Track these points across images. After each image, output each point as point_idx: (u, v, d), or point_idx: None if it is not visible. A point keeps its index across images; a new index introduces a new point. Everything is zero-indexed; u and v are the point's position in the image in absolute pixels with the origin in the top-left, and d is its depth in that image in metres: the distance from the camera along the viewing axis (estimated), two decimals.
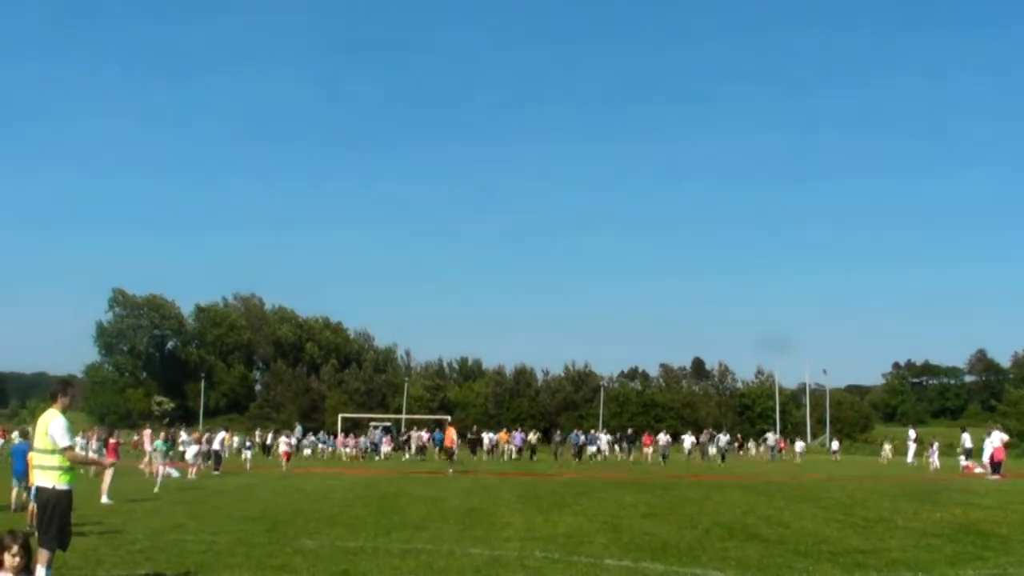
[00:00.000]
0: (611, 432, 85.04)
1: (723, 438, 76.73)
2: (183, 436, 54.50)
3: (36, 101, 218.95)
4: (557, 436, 75.01)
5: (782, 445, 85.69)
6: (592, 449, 71.46)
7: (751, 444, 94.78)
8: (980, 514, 24.15)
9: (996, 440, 45.45)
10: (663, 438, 69.49)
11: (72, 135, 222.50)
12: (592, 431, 77.82)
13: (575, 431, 78.18)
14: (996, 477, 43.08)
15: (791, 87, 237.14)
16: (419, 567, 14.93)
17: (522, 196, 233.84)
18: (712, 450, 74.62)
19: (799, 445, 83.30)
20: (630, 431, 79.18)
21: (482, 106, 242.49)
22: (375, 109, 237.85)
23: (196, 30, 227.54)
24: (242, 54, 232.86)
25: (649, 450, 69.02)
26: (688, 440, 79.07)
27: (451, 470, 47.01)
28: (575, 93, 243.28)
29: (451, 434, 53.86)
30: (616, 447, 76.32)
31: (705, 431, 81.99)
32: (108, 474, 27.63)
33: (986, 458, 45.68)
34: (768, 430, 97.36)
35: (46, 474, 12.10)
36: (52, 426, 12.13)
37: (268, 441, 74.41)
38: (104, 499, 26.82)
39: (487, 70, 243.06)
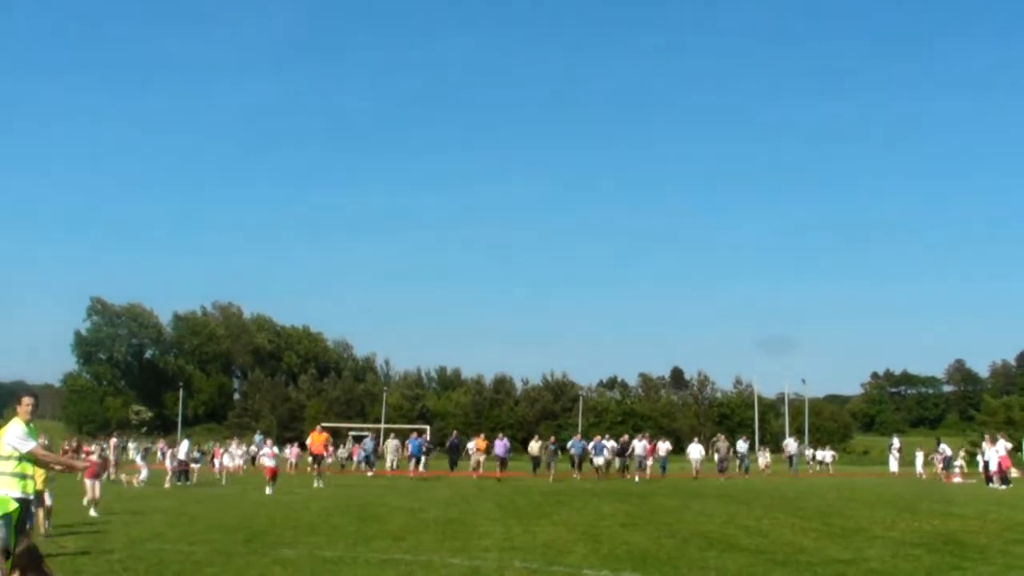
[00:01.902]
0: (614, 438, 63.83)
1: (743, 445, 63.97)
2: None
3: (13, 109, 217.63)
4: (551, 443, 56.74)
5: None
6: (599, 460, 55.02)
7: (757, 453, 75.85)
8: (959, 523, 24.20)
9: (1001, 448, 45.19)
10: (663, 447, 59.87)
11: (51, 143, 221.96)
12: (598, 438, 59.18)
13: (577, 437, 62.92)
14: (1003, 487, 42.89)
15: (774, 95, 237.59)
16: None
17: (502, 206, 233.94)
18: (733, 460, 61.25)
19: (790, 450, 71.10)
20: (637, 438, 59.26)
21: (462, 116, 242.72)
22: (357, 119, 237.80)
23: (177, 38, 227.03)
24: (221, 62, 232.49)
25: (649, 461, 56.32)
26: (696, 451, 60.65)
27: (318, 483, 43.15)
28: (559, 101, 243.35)
29: (319, 439, 47.36)
30: (618, 458, 57.59)
31: (719, 438, 64.02)
32: (91, 486, 26.85)
33: (993, 467, 45.27)
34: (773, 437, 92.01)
35: (3, 481, 12.12)
36: (8, 434, 12.24)
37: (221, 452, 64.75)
38: (92, 512, 26.06)
39: (469, 80, 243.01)
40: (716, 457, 60.81)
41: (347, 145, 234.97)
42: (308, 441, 49.94)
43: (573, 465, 57.96)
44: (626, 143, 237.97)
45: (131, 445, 53.04)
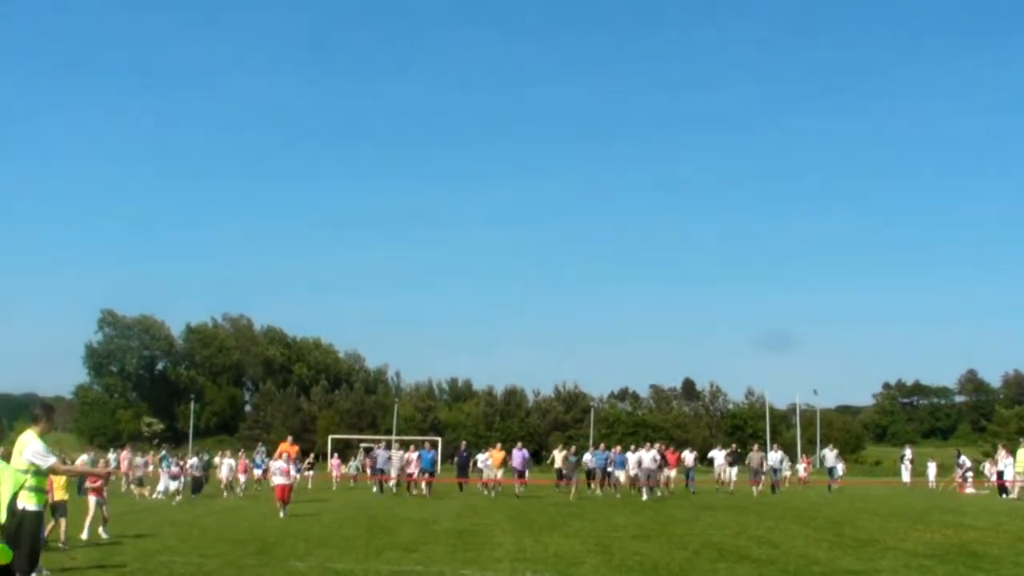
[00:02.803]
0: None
1: (774, 456, 53.47)
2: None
3: (29, 120, 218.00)
4: (572, 454, 47.09)
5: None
6: (619, 475, 47.76)
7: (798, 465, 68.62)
8: (972, 534, 24.14)
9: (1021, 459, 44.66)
10: (689, 456, 52.93)
11: (62, 154, 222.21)
12: (617, 449, 50.80)
13: (598, 448, 55.29)
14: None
15: (787, 103, 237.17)
16: None
17: (514, 215, 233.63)
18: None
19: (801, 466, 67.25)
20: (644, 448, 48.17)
21: (470, 121, 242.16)
22: (363, 126, 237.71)
23: (189, 45, 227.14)
24: (229, 66, 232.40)
25: (673, 472, 48.71)
26: (721, 456, 54.09)
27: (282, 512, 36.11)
28: (567, 106, 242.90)
29: (291, 451, 41.49)
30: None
31: (755, 449, 52.51)
32: (94, 504, 24.61)
33: (1009, 476, 44.77)
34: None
35: (21, 495, 12.14)
36: (28, 450, 12.25)
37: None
38: (100, 532, 23.84)
39: (474, 85, 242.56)
40: (750, 468, 51.05)
41: (358, 156, 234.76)
42: (277, 452, 43.30)
43: (592, 479, 48.74)
44: (641, 149, 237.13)
45: (139, 460, 51.17)
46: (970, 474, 55.96)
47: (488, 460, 49.41)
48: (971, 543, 21.98)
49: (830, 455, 59.04)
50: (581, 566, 17.89)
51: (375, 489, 50.78)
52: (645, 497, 41.65)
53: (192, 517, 30.90)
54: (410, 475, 46.94)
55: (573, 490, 43.80)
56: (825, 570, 17.33)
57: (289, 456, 40.74)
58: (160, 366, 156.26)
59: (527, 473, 47.42)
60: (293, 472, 45.49)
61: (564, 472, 47.28)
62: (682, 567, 17.70)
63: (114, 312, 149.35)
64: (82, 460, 37.56)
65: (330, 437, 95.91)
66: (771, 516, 30.58)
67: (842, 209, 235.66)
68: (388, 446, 56.81)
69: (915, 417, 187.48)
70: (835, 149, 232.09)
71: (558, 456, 49.95)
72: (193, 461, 49.30)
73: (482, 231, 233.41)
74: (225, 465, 49.20)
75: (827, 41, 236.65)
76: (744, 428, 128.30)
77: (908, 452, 65.51)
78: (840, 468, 59.77)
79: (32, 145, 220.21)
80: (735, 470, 54.16)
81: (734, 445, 62.64)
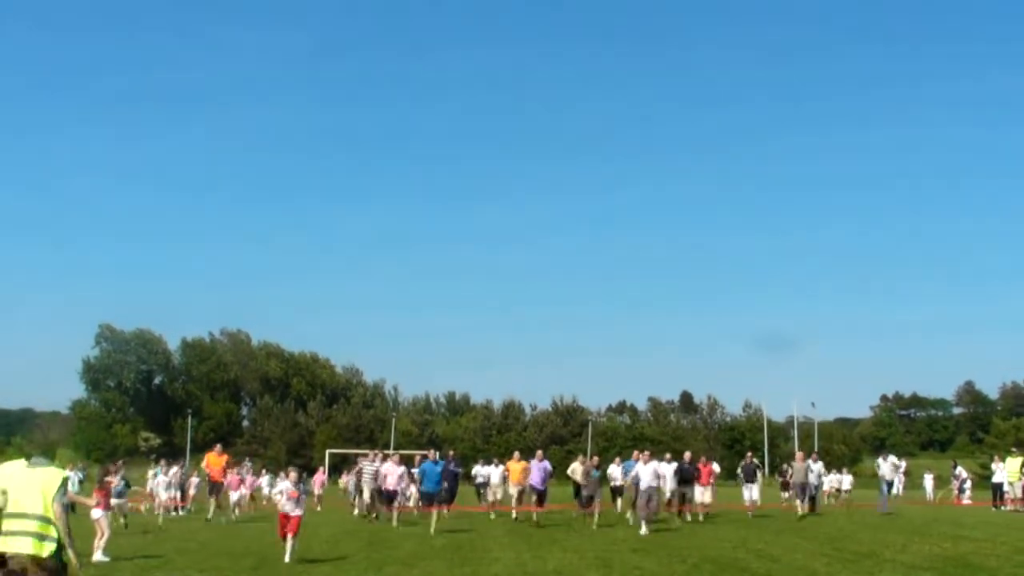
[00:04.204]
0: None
1: (815, 467, 43.87)
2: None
3: (27, 135, 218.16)
4: (594, 467, 35.67)
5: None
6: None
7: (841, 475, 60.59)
8: (969, 547, 24.18)
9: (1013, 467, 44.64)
10: (715, 468, 41.23)
11: (59, 167, 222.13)
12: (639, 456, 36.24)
13: (628, 460, 42.42)
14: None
15: (786, 116, 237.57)
16: None
17: (510, 230, 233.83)
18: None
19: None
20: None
21: (464, 138, 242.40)
22: (367, 138, 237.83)
23: (187, 64, 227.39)
24: (224, 86, 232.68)
25: (708, 495, 38.14)
26: (759, 477, 43.86)
27: (221, 518, 37.24)
28: (571, 115, 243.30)
29: (217, 463, 38.89)
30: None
31: (798, 458, 42.07)
32: (100, 519, 23.17)
33: (1009, 489, 44.59)
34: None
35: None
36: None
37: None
38: (98, 556, 22.31)
39: (470, 102, 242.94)
40: (794, 484, 41.32)
41: (355, 172, 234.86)
42: (204, 463, 40.71)
43: (616, 496, 40.69)
44: (636, 160, 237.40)
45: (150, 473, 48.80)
46: (967, 486, 55.98)
47: (495, 475, 41.51)
48: (969, 555, 22.02)
49: (885, 466, 43.43)
50: None
51: (355, 511, 41.03)
52: (644, 531, 29.03)
53: (188, 531, 30.89)
54: (391, 496, 35.00)
55: (596, 514, 33.07)
56: None
57: (227, 465, 39.77)
58: (157, 381, 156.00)
59: (546, 494, 37.05)
60: (228, 487, 41.04)
61: (586, 491, 34.35)
62: None
63: (112, 326, 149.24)
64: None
65: (327, 452, 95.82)
66: (770, 530, 30.60)
67: (841, 222, 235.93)
68: (384, 457, 39.43)
69: (913, 429, 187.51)
70: (834, 161, 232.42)
71: (577, 468, 37.15)
72: (174, 471, 44.41)
73: (479, 246, 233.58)
74: (160, 482, 42.15)
75: (814, 53, 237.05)
76: (742, 440, 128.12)
77: (902, 464, 65.52)
78: (898, 484, 49.26)
79: (31, 160, 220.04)
80: (756, 487, 40.74)
81: (749, 454, 45.62)
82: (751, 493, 40.28)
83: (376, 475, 36.95)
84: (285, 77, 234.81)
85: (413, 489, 39.47)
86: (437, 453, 36.11)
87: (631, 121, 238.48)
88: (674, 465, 37.16)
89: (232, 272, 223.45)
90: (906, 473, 63.55)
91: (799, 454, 43.41)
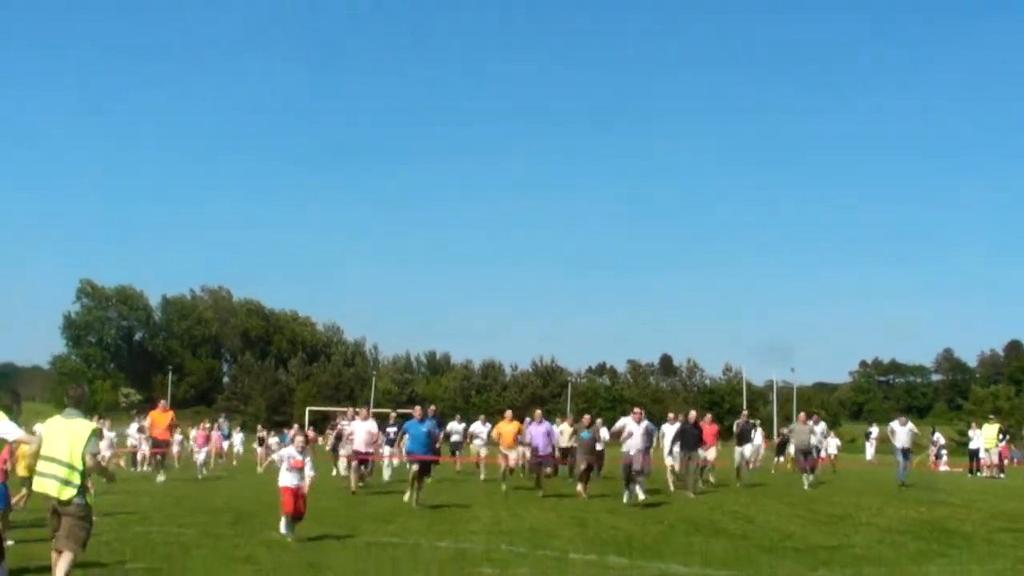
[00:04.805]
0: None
1: (819, 429, 40.55)
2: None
3: (4, 91, 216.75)
4: (585, 428, 31.69)
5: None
6: (669, 462, 32.54)
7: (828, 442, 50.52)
8: (945, 511, 24.31)
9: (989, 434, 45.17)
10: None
11: (36, 124, 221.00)
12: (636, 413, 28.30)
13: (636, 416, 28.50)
14: (1001, 476, 43.13)
15: (770, 78, 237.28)
16: (385, 560, 14.94)
17: (491, 191, 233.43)
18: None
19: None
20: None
21: (453, 101, 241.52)
22: (347, 102, 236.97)
23: (165, 18, 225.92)
24: (218, 42, 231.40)
25: (712, 454, 34.79)
26: (758, 438, 43.00)
27: (161, 476, 34.12)
28: (555, 77, 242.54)
29: (163, 419, 35.61)
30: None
31: (800, 422, 37.29)
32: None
33: (984, 456, 45.15)
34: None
35: None
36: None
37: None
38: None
39: (457, 65, 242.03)
40: (791, 448, 40.50)
41: (339, 134, 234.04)
42: (147, 422, 38.41)
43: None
44: (622, 125, 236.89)
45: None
46: (944, 452, 56.33)
47: (482, 434, 38.70)
48: (944, 519, 22.14)
49: (901, 432, 36.36)
50: (556, 539, 17.96)
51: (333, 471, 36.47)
52: (627, 498, 25.65)
53: (167, 487, 30.89)
54: (364, 458, 30.51)
55: (585, 485, 28.82)
56: (799, 545, 17.44)
57: (172, 423, 36.30)
58: (138, 337, 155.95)
59: (547, 463, 31.35)
60: (174, 445, 40.08)
61: (581, 457, 30.26)
62: (656, 540, 17.80)
63: (92, 282, 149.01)
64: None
65: (307, 409, 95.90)
66: (747, 492, 30.71)
67: (821, 189, 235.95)
68: (367, 416, 32.49)
69: (891, 395, 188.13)
70: (816, 127, 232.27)
71: (567, 431, 34.23)
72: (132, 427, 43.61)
73: (460, 205, 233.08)
74: (142, 438, 41.23)
75: (819, 22, 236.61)
76: (721, 404, 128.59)
77: (874, 430, 65.80)
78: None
79: (11, 115, 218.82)
80: (750, 448, 37.97)
81: (745, 412, 43.45)
82: (743, 454, 36.51)
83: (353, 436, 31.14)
84: (268, 35, 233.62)
85: (387, 452, 35.42)
86: (422, 410, 27.68)
87: (620, 81, 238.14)
88: (675, 426, 32.49)
89: (213, 229, 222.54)
90: (876, 438, 63.19)
91: (801, 415, 39.09)
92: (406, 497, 24.94)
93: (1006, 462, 45.87)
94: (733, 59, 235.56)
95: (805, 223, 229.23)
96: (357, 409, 34.46)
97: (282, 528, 17.54)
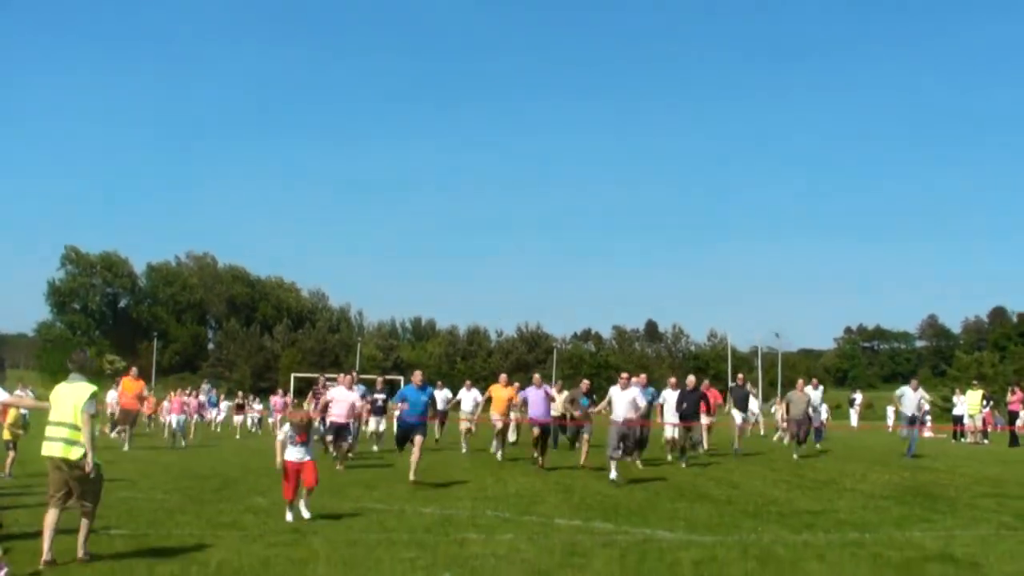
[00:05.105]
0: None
1: (815, 395, 35.89)
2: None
3: None
4: (582, 393, 29.40)
5: None
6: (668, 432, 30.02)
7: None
8: (929, 476, 24.42)
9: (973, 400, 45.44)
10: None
11: (24, 91, 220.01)
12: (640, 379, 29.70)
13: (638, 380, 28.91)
14: (985, 442, 43.34)
15: (758, 59, 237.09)
16: (370, 525, 14.94)
17: (475, 157, 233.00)
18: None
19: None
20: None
21: (436, 70, 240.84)
22: (330, 72, 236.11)
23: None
24: (200, 9, 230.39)
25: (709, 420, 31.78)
26: (754, 404, 42.60)
27: (126, 446, 32.18)
28: (544, 45, 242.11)
29: (132, 388, 33.63)
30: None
31: (799, 389, 33.70)
32: None
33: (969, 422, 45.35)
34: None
35: None
36: None
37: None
38: None
39: (443, 33, 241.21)
40: (785, 417, 36.20)
41: (324, 96, 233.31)
42: (117, 388, 37.07)
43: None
44: (612, 94, 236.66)
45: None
46: (928, 418, 56.50)
47: (467, 401, 34.93)
48: (928, 485, 22.23)
49: (910, 397, 33.73)
50: (541, 504, 18.00)
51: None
52: (614, 475, 22.48)
53: (152, 453, 30.86)
54: (338, 431, 26.38)
55: (584, 454, 27.49)
56: (783, 510, 17.49)
57: (142, 392, 34.42)
58: (123, 304, 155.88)
59: (549, 433, 28.16)
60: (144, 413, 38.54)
61: (575, 425, 29.83)
62: (641, 506, 17.83)
63: (77, 249, 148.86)
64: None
65: (292, 376, 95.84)
66: (732, 458, 30.74)
67: (808, 158, 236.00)
68: (351, 384, 27.88)
69: (876, 361, 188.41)
70: (801, 97, 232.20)
71: (559, 399, 29.82)
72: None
73: (445, 170, 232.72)
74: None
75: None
76: (706, 370, 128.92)
77: (858, 396, 66.08)
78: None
79: None
80: (745, 415, 36.17)
81: (740, 376, 39.89)
82: (738, 420, 34.71)
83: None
84: (247, 13, 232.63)
85: (373, 424, 33.38)
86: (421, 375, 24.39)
87: (610, 55, 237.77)
88: (676, 393, 29.36)
89: (198, 195, 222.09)
90: (860, 404, 63.29)
91: (799, 382, 35.08)
92: (411, 474, 21.54)
93: (989, 428, 45.98)
94: (733, 43, 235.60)
95: (791, 191, 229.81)
96: (330, 377, 33.60)
97: (288, 517, 15.54)
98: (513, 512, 16.66)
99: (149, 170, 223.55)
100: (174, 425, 37.11)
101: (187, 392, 43.83)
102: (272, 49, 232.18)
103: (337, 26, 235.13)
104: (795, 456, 30.92)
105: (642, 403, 24.02)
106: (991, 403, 48.79)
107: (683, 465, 27.22)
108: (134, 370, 35.78)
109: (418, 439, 22.16)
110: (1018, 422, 43.04)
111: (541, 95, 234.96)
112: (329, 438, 26.75)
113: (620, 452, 23.15)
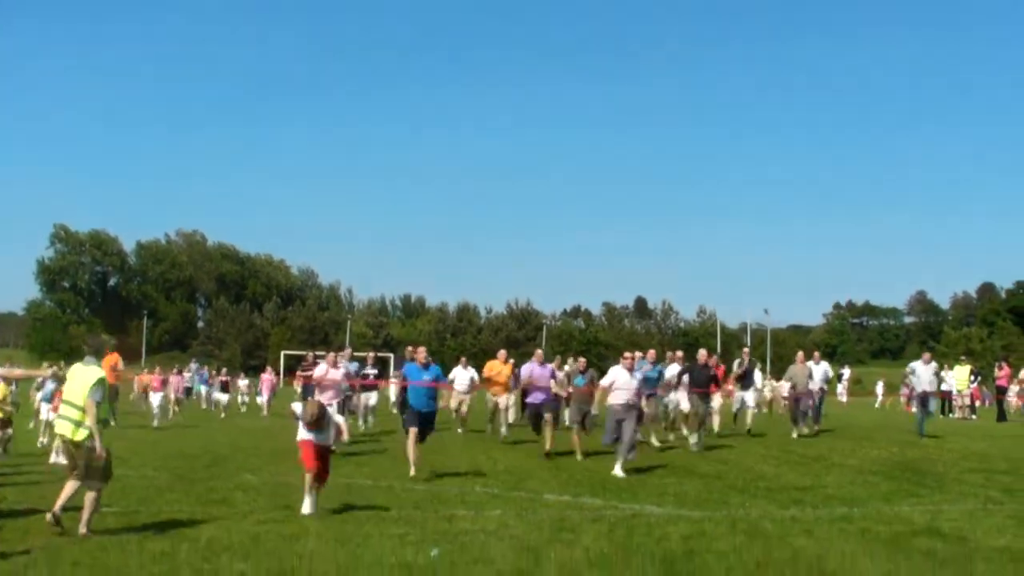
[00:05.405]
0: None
1: (818, 370, 31.89)
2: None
3: None
4: (580, 371, 25.41)
5: None
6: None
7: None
8: (917, 452, 24.50)
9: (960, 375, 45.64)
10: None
11: (6, 68, 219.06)
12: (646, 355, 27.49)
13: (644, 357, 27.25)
14: (973, 417, 43.54)
15: (746, 36, 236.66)
16: (360, 502, 14.98)
17: (467, 134, 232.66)
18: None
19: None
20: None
21: (416, 47, 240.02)
22: (316, 52, 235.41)
23: None
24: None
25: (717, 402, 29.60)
26: (759, 380, 36.85)
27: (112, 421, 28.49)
28: (532, 25, 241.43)
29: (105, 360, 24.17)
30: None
31: (799, 363, 31.86)
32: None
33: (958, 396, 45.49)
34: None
35: None
36: None
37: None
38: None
39: (420, 10, 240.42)
40: (788, 392, 33.20)
41: (314, 78, 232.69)
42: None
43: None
44: (596, 71, 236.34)
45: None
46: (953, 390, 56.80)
47: (462, 380, 31.11)
48: (916, 460, 22.32)
49: (924, 371, 31.81)
50: (531, 480, 18.06)
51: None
52: (618, 470, 19.35)
53: (142, 431, 30.84)
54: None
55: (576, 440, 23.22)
56: (772, 485, 17.56)
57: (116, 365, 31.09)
58: (112, 282, 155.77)
59: (544, 414, 25.03)
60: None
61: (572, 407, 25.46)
62: (630, 481, 17.89)
63: (67, 227, 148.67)
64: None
65: (282, 353, 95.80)
66: (720, 433, 30.74)
67: (796, 131, 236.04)
68: (335, 362, 25.60)
69: (864, 337, 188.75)
70: (789, 67, 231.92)
71: (560, 375, 27.77)
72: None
73: (435, 148, 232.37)
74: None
75: None
76: (696, 346, 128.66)
77: (845, 371, 66.20)
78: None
79: None
80: (751, 394, 31.66)
81: (745, 350, 35.02)
82: (745, 400, 31.10)
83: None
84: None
85: (364, 399, 31.52)
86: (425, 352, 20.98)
87: (599, 30, 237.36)
88: (676, 368, 28.07)
89: (188, 172, 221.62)
90: (848, 380, 63.32)
91: (799, 354, 32.91)
92: (410, 454, 18.97)
93: (977, 403, 46.19)
94: (725, 18, 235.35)
95: (780, 165, 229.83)
96: (317, 355, 31.17)
97: (305, 508, 14.01)
98: (502, 488, 16.71)
99: (139, 148, 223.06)
100: (154, 405, 35.69)
101: (174, 371, 43.07)
102: (260, 30, 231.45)
103: (322, 11, 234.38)
104: (794, 434, 29.59)
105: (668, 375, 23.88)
106: (979, 378, 48.95)
107: (694, 448, 24.86)
108: (113, 340, 36.63)
109: (414, 432, 19.14)
110: (1011, 396, 43.19)
111: (526, 72, 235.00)
112: None
113: (616, 439, 20.15)
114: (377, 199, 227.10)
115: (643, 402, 22.81)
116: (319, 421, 14.39)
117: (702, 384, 26.37)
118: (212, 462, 20.77)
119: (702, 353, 27.55)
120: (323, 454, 14.50)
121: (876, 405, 58.94)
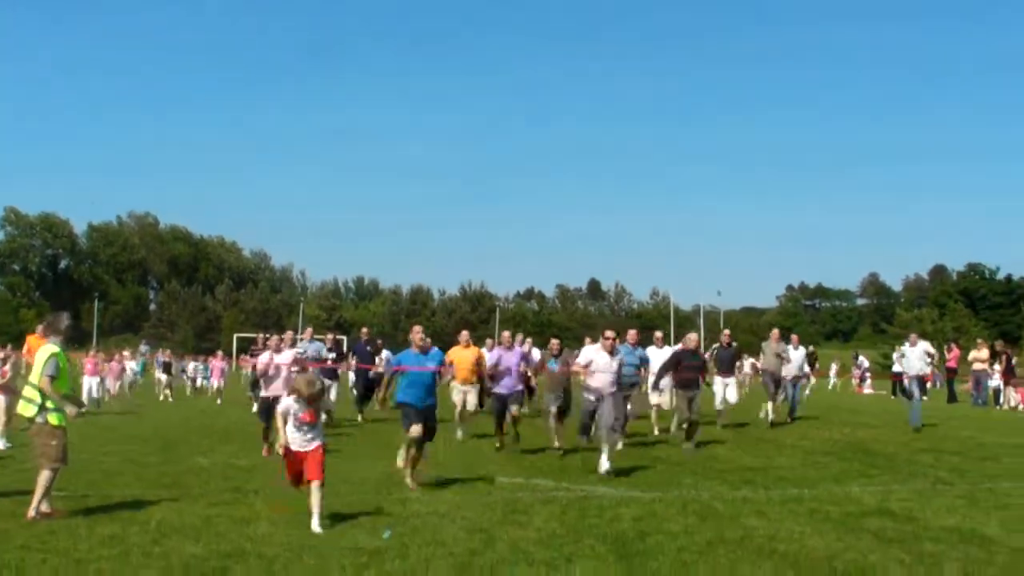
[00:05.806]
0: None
1: (795, 355, 29.14)
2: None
3: None
4: (554, 354, 23.82)
5: None
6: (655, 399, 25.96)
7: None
8: (868, 433, 24.64)
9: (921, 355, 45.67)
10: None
11: None
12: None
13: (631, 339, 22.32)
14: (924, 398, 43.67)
15: (711, 24, 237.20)
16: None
17: (421, 118, 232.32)
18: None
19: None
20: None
21: (372, 33, 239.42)
22: (269, 31, 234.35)
23: None
24: None
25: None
26: (747, 365, 40.12)
27: None
28: (475, 19, 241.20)
29: (37, 345, 20.39)
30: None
31: (773, 339, 28.91)
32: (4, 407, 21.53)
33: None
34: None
35: None
36: None
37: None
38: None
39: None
40: (760, 371, 30.36)
41: (266, 60, 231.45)
42: (24, 348, 33.52)
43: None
44: (562, 56, 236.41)
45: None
46: (868, 375, 57.03)
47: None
48: (867, 441, 22.45)
49: (912, 353, 29.25)
50: (486, 464, 18.06)
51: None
52: (605, 466, 16.75)
53: (94, 415, 30.64)
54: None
55: (560, 431, 20.84)
56: (725, 467, 17.62)
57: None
58: (63, 265, 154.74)
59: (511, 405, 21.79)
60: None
61: (551, 397, 21.95)
62: (585, 465, 17.85)
63: (16, 210, 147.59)
64: None
65: (235, 336, 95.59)
66: (671, 416, 30.73)
67: (749, 114, 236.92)
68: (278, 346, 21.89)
69: (818, 319, 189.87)
70: (755, 55, 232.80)
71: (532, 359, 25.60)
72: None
73: (387, 129, 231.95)
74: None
75: None
76: (651, 328, 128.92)
77: (862, 360, 66.41)
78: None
79: None
80: (734, 383, 27.59)
81: (726, 333, 29.84)
82: (726, 390, 26.92)
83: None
84: None
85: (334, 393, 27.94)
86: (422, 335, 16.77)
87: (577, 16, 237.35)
88: (662, 352, 25.00)
89: (140, 155, 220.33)
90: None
91: (774, 332, 29.92)
92: (399, 462, 15.78)
93: (929, 385, 46.46)
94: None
95: (734, 145, 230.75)
96: (270, 337, 27.47)
97: (315, 525, 11.66)
98: (457, 472, 16.68)
99: (90, 129, 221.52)
100: (92, 390, 34.70)
101: (115, 357, 42.36)
102: (197, 6, 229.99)
103: None
104: (761, 414, 27.80)
105: (629, 371, 19.99)
106: (931, 359, 49.08)
107: (689, 447, 20.74)
108: (40, 328, 33.91)
109: (417, 431, 15.46)
110: (991, 383, 43.41)
111: (483, 42, 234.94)
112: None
113: (591, 433, 18.47)
114: (329, 182, 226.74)
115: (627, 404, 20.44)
116: (316, 401, 12.46)
117: (693, 373, 22.01)
118: (164, 446, 20.68)
119: (692, 337, 23.24)
120: (313, 459, 12.32)
121: (829, 387, 59.18)
